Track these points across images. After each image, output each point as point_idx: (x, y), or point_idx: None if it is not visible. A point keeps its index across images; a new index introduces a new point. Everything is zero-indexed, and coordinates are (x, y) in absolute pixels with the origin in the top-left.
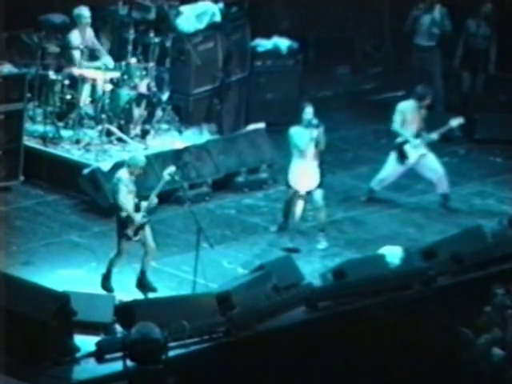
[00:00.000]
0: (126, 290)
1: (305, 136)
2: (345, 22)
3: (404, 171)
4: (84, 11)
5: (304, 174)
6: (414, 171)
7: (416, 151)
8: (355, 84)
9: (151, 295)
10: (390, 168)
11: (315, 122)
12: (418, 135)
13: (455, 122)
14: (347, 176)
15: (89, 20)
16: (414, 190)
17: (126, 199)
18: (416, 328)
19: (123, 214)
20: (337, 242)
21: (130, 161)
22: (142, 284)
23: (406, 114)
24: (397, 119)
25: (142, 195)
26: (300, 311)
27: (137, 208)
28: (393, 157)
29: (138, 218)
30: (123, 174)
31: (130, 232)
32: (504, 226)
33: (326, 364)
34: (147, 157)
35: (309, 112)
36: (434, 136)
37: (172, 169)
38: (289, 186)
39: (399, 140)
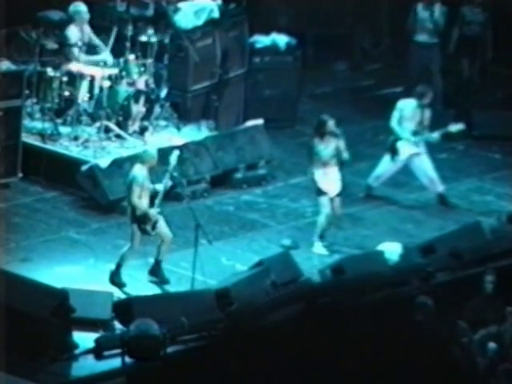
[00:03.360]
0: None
1: (328, 147)
2: (343, 19)
3: (398, 168)
4: (81, 7)
5: (331, 179)
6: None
7: (408, 149)
8: (354, 80)
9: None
10: (385, 164)
11: (338, 131)
12: (414, 133)
13: (455, 127)
14: (346, 172)
15: (86, 16)
16: (413, 187)
17: (141, 197)
18: (415, 324)
19: (139, 212)
20: (335, 239)
21: (144, 155)
22: (155, 273)
23: (404, 112)
24: (395, 116)
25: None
26: (298, 307)
27: (151, 202)
28: (387, 155)
29: (154, 212)
30: (137, 170)
31: (148, 228)
32: (502, 222)
33: (324, 360)
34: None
35: (332, 124)
36: (434, 135)
37: (176, 152)
38: (322, 194)
39: (393, 137)
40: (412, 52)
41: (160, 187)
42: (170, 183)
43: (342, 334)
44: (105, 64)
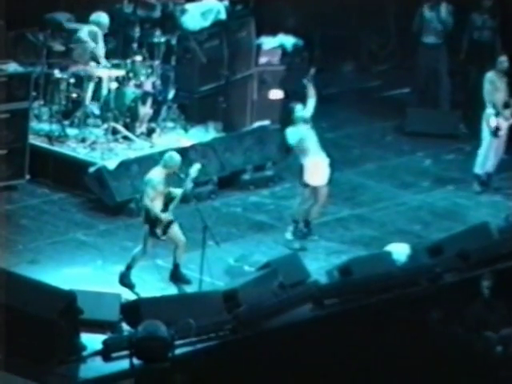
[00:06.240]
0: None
1: (305, 131)
2: (350, 20)
3: (499, 144)
4: (103, 18)
5: (321, 168)
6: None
7: (506, 121)
8: (361, 81)
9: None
10: (487, 145)
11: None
12: (506, 105)
13: None
14: (353, 173)
15: (106, 28)
16: (421, 187)
17: (154, 200)
18: (422, 325)
19: (151, 215)
20: (343, 240)
21: (168, 160)
22: (176, 277)
23: (496, 83)
24: (487, 88)
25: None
26: (306, 309)
27: (166, 207)
28: (486, 133)
29: (166, 217)
30: (156, 173)
31: (159, 231)
32: (510, 223)
33: (332, 361)
34: (152, 155)
35: (300, 109)
36: None
37: (198, 166)
38: (306, 185)
39: (489, 112)
40: (419, 53)
41: (176, 193)
42: (187, 191)
43: (350, 335)
44: (112, 66)
